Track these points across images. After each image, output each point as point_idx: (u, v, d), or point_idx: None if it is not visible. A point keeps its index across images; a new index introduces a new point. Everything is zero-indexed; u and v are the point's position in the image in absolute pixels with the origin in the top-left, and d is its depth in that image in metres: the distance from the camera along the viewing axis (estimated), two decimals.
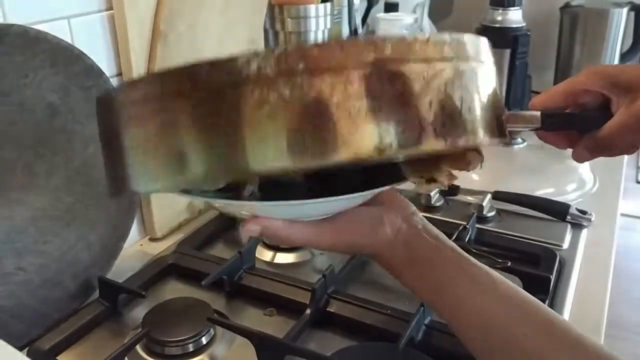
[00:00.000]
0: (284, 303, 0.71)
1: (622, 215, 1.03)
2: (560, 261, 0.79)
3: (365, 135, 0.34)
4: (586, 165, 1.06)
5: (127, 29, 0.75)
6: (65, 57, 0.64)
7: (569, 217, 0.90)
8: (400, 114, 0.35)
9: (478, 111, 0.39)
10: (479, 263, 0.49)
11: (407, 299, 0.72)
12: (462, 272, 0.48)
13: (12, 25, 0.58)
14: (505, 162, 1.07)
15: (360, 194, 0.44)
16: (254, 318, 0.70)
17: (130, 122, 0.38)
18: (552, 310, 0.47)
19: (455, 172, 0.46)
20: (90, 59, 0.67)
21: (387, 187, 0.45)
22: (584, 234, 0.88)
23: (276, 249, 0.83)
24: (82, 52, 0.66)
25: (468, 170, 0.45)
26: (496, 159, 1.06)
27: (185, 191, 0.44)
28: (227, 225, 0.90)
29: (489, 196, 0.93)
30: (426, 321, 0.65)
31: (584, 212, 0.91)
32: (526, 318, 0.46)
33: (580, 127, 0.47)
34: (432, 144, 0.36)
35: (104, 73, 0.69)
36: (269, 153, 0.34)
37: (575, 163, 1.05)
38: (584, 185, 1.01)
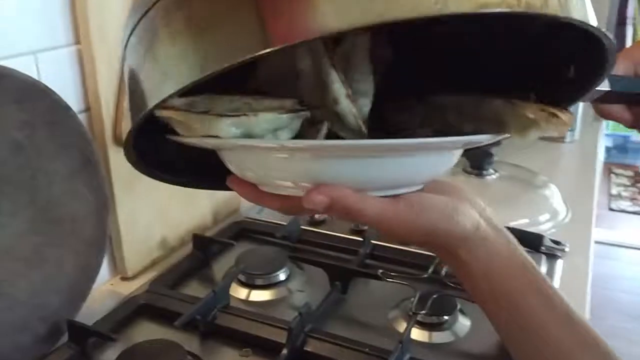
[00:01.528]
0: (260, 343, 0.69)
1: (596, 242, 1.04)
2: None
3: None
4: (558, 195, 1.07)
5: (95, 63, 0.74)
6: (30, 94, 0.63)
7: (543, 247, 0.90)
8: None
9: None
10: (548, 279, 0.45)
11: (385, 335, 0.71)
12: (538, 291, 0.44)
13: None
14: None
15: (462, 138, 0.40)
16: (230, 359, 0.68)
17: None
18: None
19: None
20: (56, 95, 0.65)
21: (490, 136, 0.42)
22: (559, 264, 0.89)
23: (251, 286, 0.81)
24: (48, 88, 0.65)
25: (558, 131, 0.42)
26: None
27: (246, 136, 0.39)
28: (201, 263, 0.88)
29: None
30: (405, 358, 0.64)
31: (557, 243, 0.91)
32: (590, 350, 0.43)
33: None
34: (556, 9, 0.33)
35: (70, 108, 0.68)
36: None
37: (546, 192, 1.07)
38: (556, 215, 1.02)
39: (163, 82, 0.36)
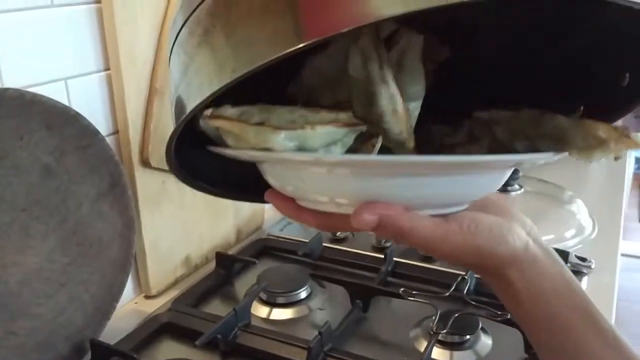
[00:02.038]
0: None
1: (623, 255, 1.02)
2: None
3: None
4: (584, 210, 1.06)
5: (124, 88, 0.76)
6: (60, 119, 0.65)
7: (568, 264, 0.88)
8: None
9: None
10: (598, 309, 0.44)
11: (406, 354, 0.71)
12: (585, 313, 0.43)
13: (8, 89, 0.59)
14: None
15: (526, 156, 0.39)
16: None
17: None
18: None
19: None
20: (85, 120, 0.67)
21: (553, 154, 0.41)
22: (585, 281, 0.87)
23: (272, 305, 0.82)
24: (77, 113, 0.66)
25: (621, 153, 0.41)
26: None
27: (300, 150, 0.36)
28: (223, 281, 0.89)
29: None
30: None
31: (583, 259, 0.90)
32: None
33: None
34: None
35: (99, 133, 0.70)
36: None
37: (573, 208, 1.06)
38: (583, 230, 1.00)
39: (217, 74, 0.34)
